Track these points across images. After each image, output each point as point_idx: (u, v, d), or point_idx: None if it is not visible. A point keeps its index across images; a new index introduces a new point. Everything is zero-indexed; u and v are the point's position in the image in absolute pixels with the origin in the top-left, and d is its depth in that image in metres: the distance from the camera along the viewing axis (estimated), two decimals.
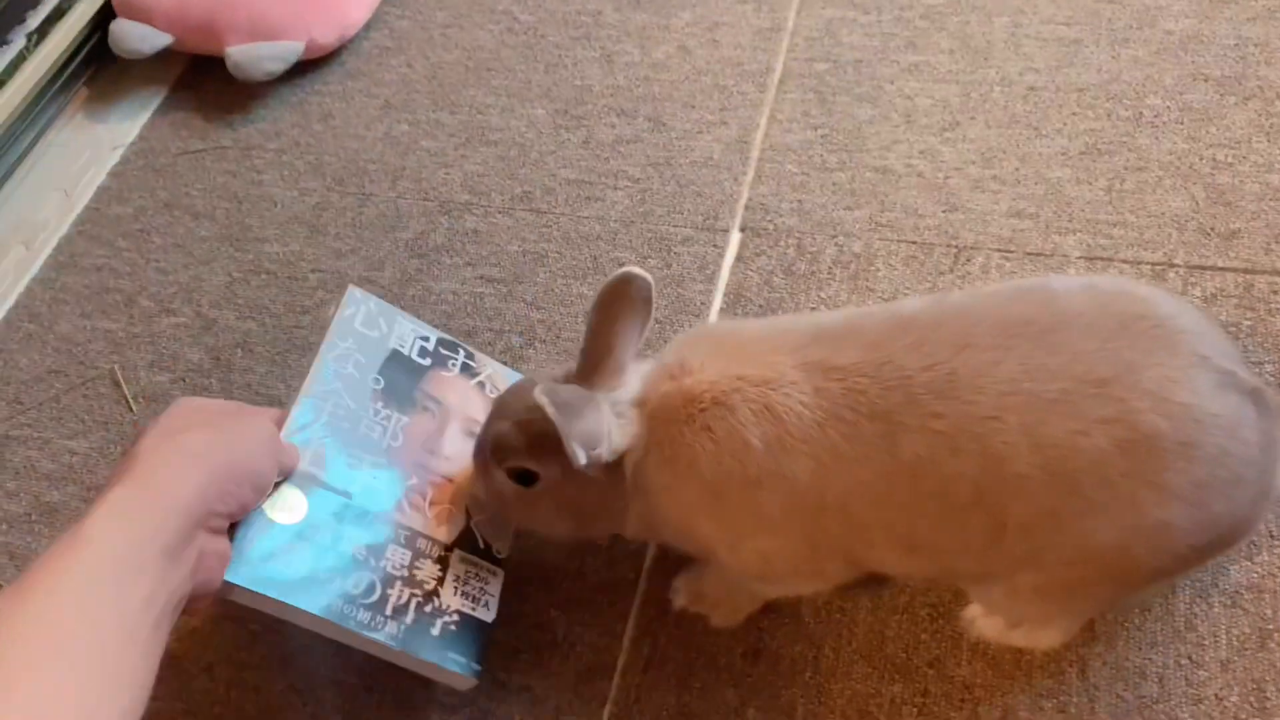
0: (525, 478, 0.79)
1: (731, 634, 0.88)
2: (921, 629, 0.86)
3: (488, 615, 0.86)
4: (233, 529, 0.74)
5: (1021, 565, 0.71)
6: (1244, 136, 1.11)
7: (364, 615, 0.79)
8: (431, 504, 0.87)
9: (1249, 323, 0.97)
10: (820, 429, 0.69)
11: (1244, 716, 0.78)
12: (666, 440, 0.74)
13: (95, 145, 1.42)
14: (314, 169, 1.32)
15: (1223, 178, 1.08)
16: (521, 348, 1.10)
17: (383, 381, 0.89)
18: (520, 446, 0.78)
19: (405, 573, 0.83)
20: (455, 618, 0.83)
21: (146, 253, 1.28)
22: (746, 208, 1.17)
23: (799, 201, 1.16)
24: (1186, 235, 1.05)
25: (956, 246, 1.09)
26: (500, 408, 0.82)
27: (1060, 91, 1.19)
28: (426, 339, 0.95)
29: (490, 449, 0.80)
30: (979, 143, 1.17)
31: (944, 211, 1.12)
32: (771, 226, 1.14)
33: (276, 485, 0.79)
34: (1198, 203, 1.07)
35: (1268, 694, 0.79)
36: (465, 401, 0.94)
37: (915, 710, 0.83)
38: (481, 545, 0.89)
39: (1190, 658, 0.82)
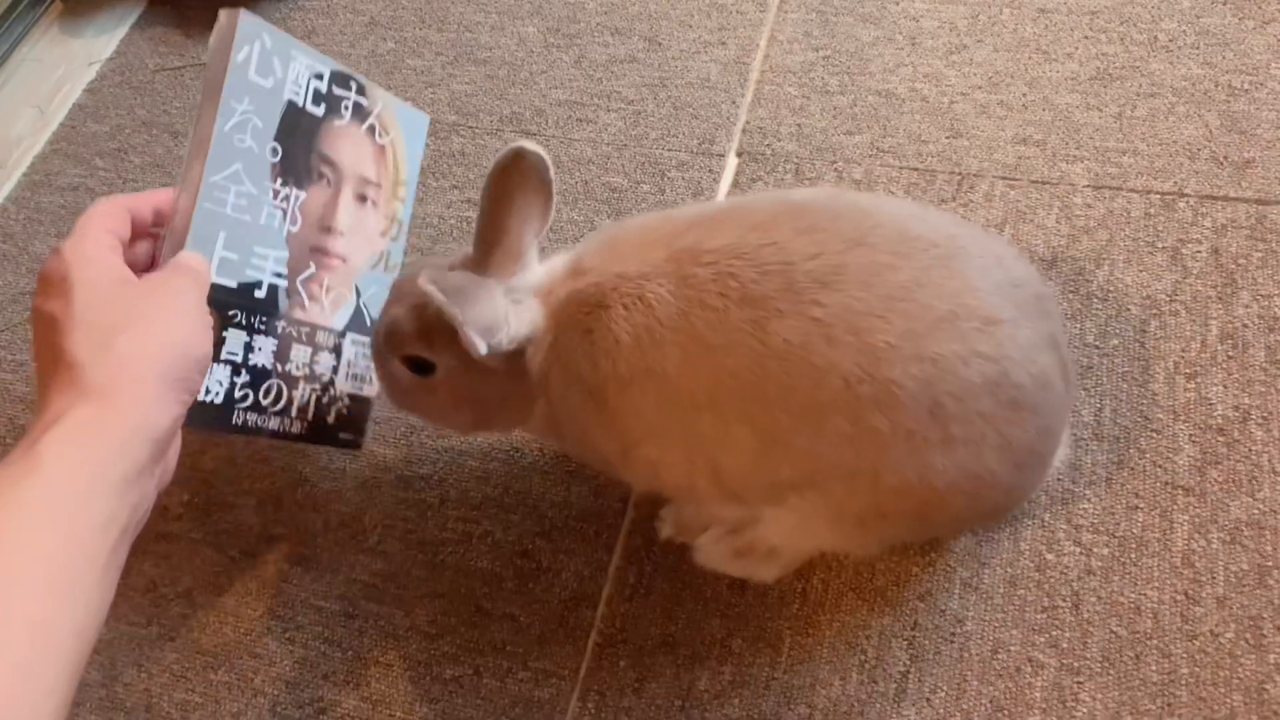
0: (422, 367, 0.75)
1: None
2: (912, 562, 0.84)
3: (371, 391, 0.91)
4: None
5: (841, 479, 0.67)
6: (1262, 63, 1.07)
7: (274, 423, 0.82)
8: (328, 290, 0.87)
9: (1259, 254, 0.94)
10: (685, 318, 0.66)
11: (1239, 653, 0.77)
12: (564, 347, 0.71)
13: (70, 61, 1.37)
14: None
15: (1238, 105, 1.04)
16: None
17: (280, 151, 0.82)
18: (414, 333, 0.73)
19: (307, 370, 0.85)
20: (346, 401, 0.89)
21: (124, 172, 1.24)
22: (744, 131, 1.13)
23: (798, 126, 1.12)
24: (1198, 164, 1.01)
25: (960, 174, 1.05)
26: (396, 291, 0.77)
27: (1072, 14, 1.15)
28: (320, 75, 0.86)
29: (384, 337, 0.76)
30: (986, 66, 1.13)
31: (948, 137, 1.08)
32: (769, 151, 1.10)
33: None
34: (1211, 131, 1.03)
35: (1264, 631, 0.78)
36: (358, 157, 0.90)
37: (905, 643, 0.81)
38: (369, 324, 0.91)
39: (1186, 594, 0.80)
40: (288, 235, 0.83)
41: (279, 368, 0.82)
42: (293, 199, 0.83)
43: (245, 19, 0.77)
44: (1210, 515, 0.82)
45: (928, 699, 0.79)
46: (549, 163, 0.69)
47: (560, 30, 1.25)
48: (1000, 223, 1.01)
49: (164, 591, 0.93)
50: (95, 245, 0.65)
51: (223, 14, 0.76)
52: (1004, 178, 1.04)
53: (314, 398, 0.86)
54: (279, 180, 0.82)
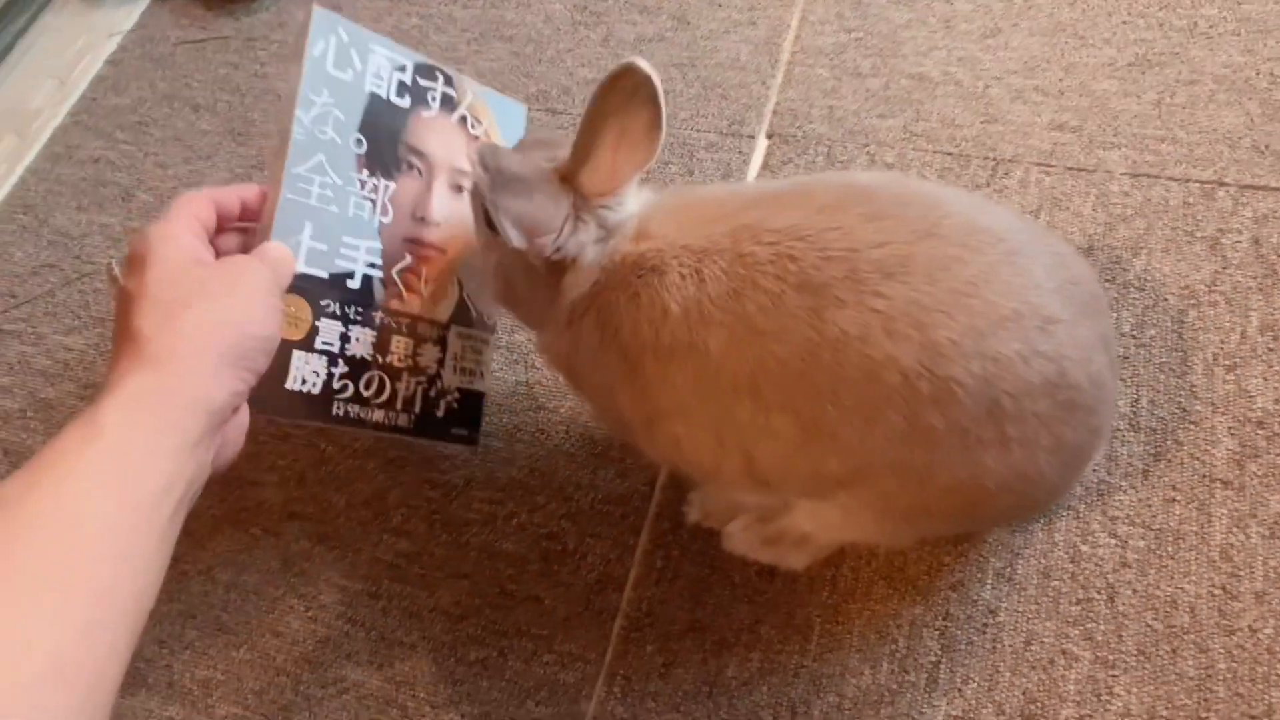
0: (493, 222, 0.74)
1: None
2: (944, 551, 0.83)
3: (483, 385, 0.89)
4: None
5: (892, 475, 0.66)
6: None
7: (378, 415, 0.81)
8: (426, 281, 0.85)
9: None
10: (736, 298, 0.64)
11: (1278, 649, 0.76)
12: (606, 304, 0.70)
13: (91, 31, 1.35)
14: None
15: None
16: None
17: (365, 143, 0.82)
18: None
19: (410, 362, 0.83)
20: (456, 394, 0.87)
21: (145, 145, 1.23)
22: (774, 113, 1.11)
23: (830, 108, 1.10)
24: (1239, 153, 0.99)
25: (994, 159, 1.03)
26: (521, 145, 0.76)
27: None
28: (403, 68, 0.86)
29: (473, 188, 0.77)
30: (1021, 51, 1.11)
31: (982, 122, 1.06)
32: (800, 133, 1.09)
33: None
34: (1252, 119, 1.01)
35: None
36: (449, 148, 0.88)
37: (937, 633, 0.80)
38: (475, 316, 0.89)
39: (1224, 588, 0.79)
40: (379, 226, 0.82)
41: (379, 359, 0.81)
42: (382, 189, 0.82)
43: (319, 14, 0.79)
44: (1249, 509, 0.81)
45: (959, 690, 0.78)
46: (658, 85, 0.65)
47: (587, 7, 1.24)
48: (1035, 210, 0.99)
49: (185, 568, 0.92)
50: (177, 225, 0.66)
51: (302, 10, 0.79)
52: (1039, 164, 1.02)
53: (420, 390, 0.84)
54: (365, 171, 0.81)
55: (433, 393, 0.85)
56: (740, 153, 1.09)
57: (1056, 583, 0.81)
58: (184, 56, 1.30)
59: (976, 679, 0.78)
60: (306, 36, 0.78)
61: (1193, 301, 0.91)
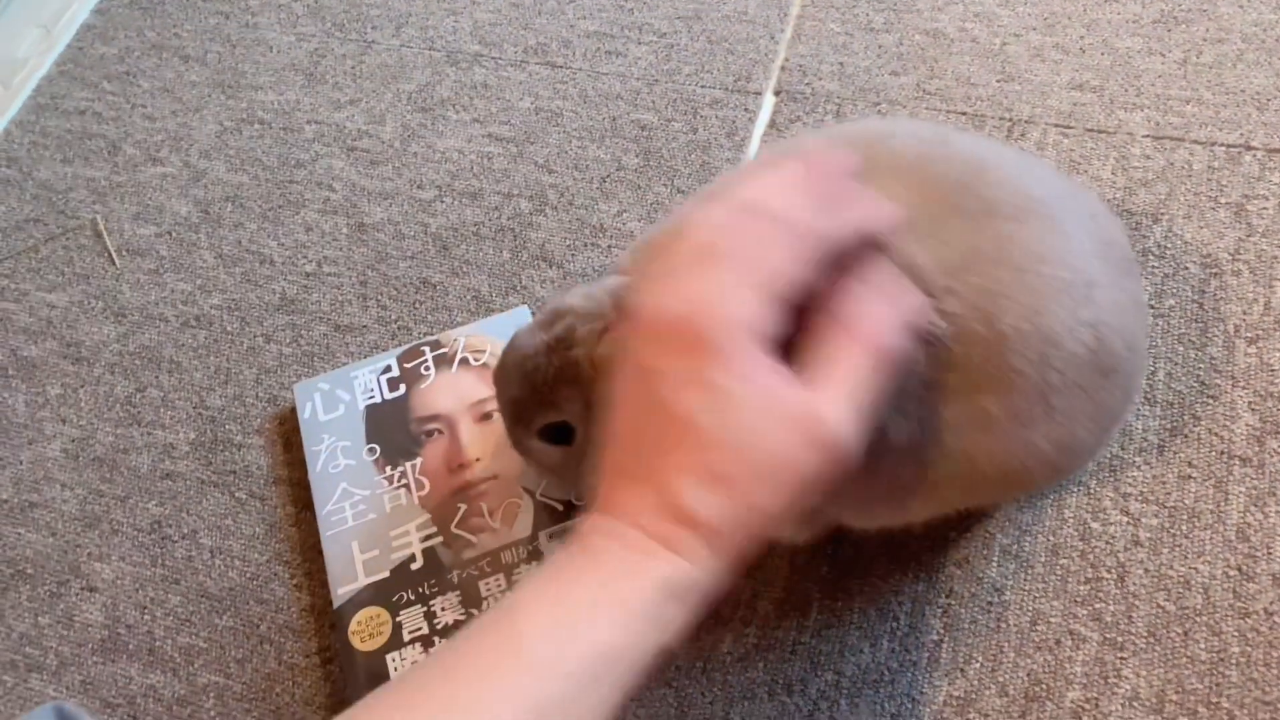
0: (559, 435, 0.70)
1: None
2: (949, 527, 0.80)
3: None
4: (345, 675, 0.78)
5: (943, 459, 0.62)
6: None
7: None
8: (491, 513, 0.83)
9: None
10: None
11: None
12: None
13: None
14: (312, 12, 1.22)
15: None
16: (531, 214, 1.02)
17: (378, 448, 0.85)
18: (535, 401, 0.69)
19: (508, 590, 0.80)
20: None
21: (132, 97, 1.19)
22: (782, 69, 1.07)
23: (840, 64, 1.06)
24: (1267, 115, 0.95)
25: (1010, 119, 0.99)
26: (501, 378, 0.71)
27: None
28: (389, 368, 0.89)
29: (512, 423, 0.71)
30: (1041, 7, 1.06)
31: (999, 81, 1.02)
32: (809, 90, 1.05)
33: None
34: None
35: None
36: (461, 392, 0.88)
37: (940, 611, 0.77)
38: (561, 508, 0.83)
39: (1240, 569, 0.76)
40: (419, 500, 0.83)
41: (474, 612, 0.79)
42: (410, 470, 0.84)
43: (298, 390, 0.90)
44: (1268, 488, 0.78)
45: (961, 670, 0.75)
46: None
47: None
48: None
49: (168, 532, 0.90)
50: (751, 300, 0.46)
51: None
52: (1057, 125, 0.98)
53: None
54: (387, 467, 0.85)
55: None
56: (746, 110, 1.05)
57: (1065, 561, 0.78)
58: (173, 5, 1.26)
59: (980, 659, 0.75)
60: (294, 406, 0.89)
61: (1214, 271, 0.87)
